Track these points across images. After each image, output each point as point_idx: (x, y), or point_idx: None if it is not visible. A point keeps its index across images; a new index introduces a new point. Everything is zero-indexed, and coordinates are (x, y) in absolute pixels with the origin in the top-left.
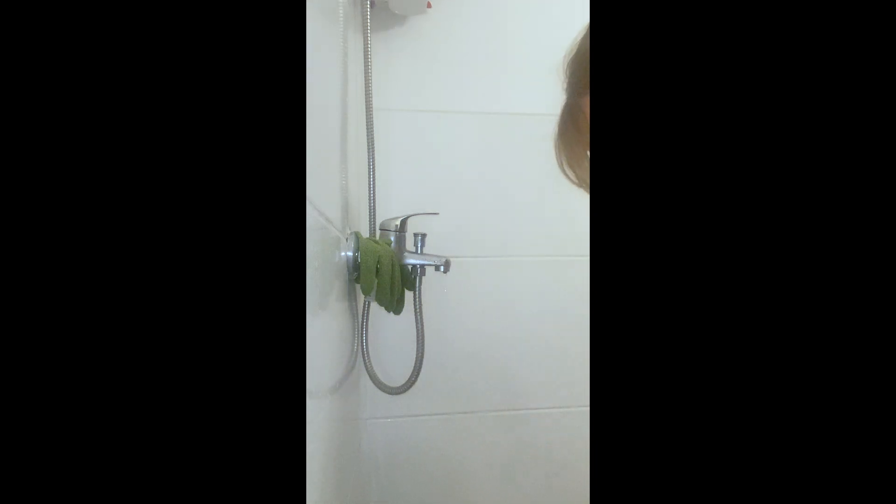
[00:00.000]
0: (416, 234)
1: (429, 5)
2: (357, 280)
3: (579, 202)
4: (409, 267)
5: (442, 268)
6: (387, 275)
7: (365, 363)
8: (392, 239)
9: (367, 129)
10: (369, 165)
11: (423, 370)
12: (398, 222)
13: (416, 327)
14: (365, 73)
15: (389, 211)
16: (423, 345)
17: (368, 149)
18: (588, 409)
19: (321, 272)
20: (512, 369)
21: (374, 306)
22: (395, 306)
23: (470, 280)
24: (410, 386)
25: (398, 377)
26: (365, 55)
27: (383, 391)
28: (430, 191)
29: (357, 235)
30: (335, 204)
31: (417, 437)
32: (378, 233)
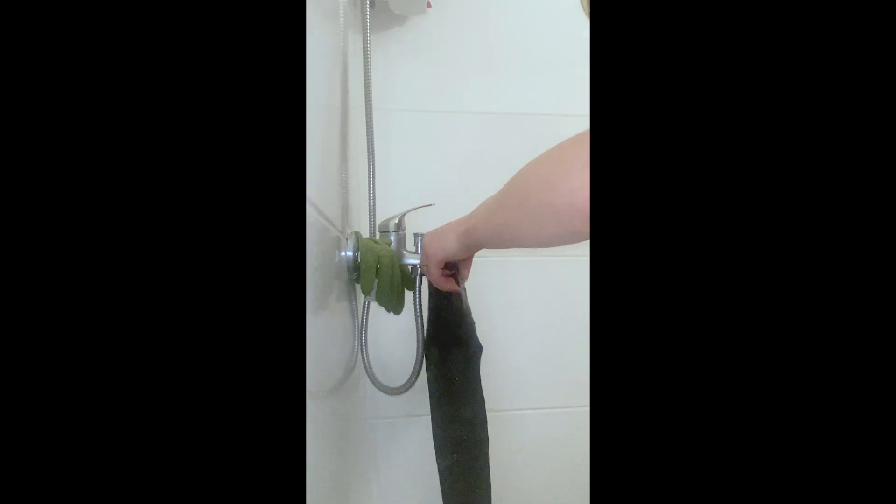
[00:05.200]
0: (416, 234)
1: (429, 5)
2: (357, 280)
3: None
4: (409, 267)
5: None
6: (387, 275)
7: (364, 363)
8: (392, 239)
9: (367, 129)
10: (369, 165)
11: (423, 370)
12: (396, 221)
13: (416, 327)
14: (365, 73)
15: (389, 211)
16: (426, 344)
17: (368, 149)
18: (588, 409)
19: (321, 272)
20: (512, 369)
21: (374, 306)
22: (395, 306)
23: (470, 280)
24: (410, 386)
25: (398, 377)
26: (365, 55)
27: (382, 391)
28: (430, 191)
29: (357, 235)
30: (335, 204)
31: (417, 437)
32: (378, 233)
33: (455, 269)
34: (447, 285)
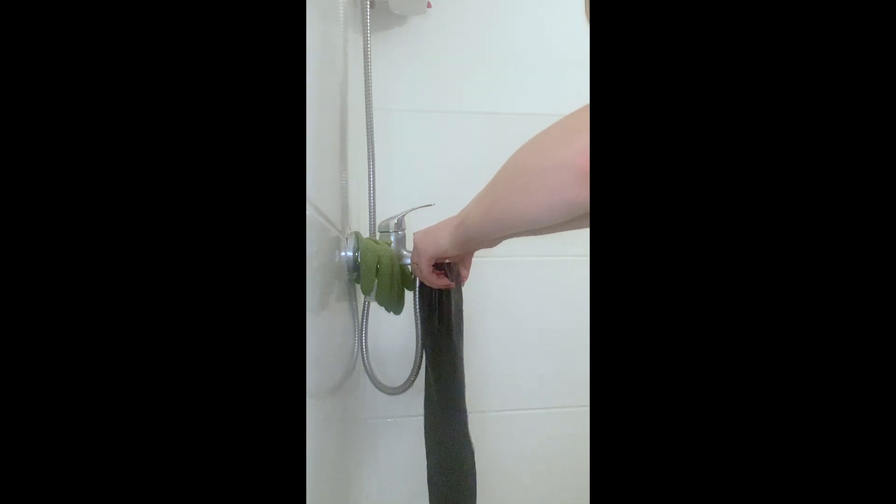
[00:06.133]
0: (415, 234)
1: (429, 5)
2: (357, 280)
3: None
4: (409, 267)
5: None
6: (387, 275)
7: (364, 363)
8: (392, 239)
9: (367, 129)
10: (369, 165)
11: (422, 370)
12: (396, 221)
13: (416, 327)
14: (365, 73)
15: (389, 211)
16: (422, 345)
17: (368, 149)
18: (588, 409)
19: (321, 272)
20: (512, 369)
21: (374, 306)
22: (395, 306)
23: (470, 280)
24: (409, 386)
25: (398, 377)
26: (365, 55)
27: (382, 391)
28: (430, 191)
29: (357, 235)
30: (335, 204)
31: (417, 437)
32: (378, 233)
33: (447, 268)
34: (439, 282)
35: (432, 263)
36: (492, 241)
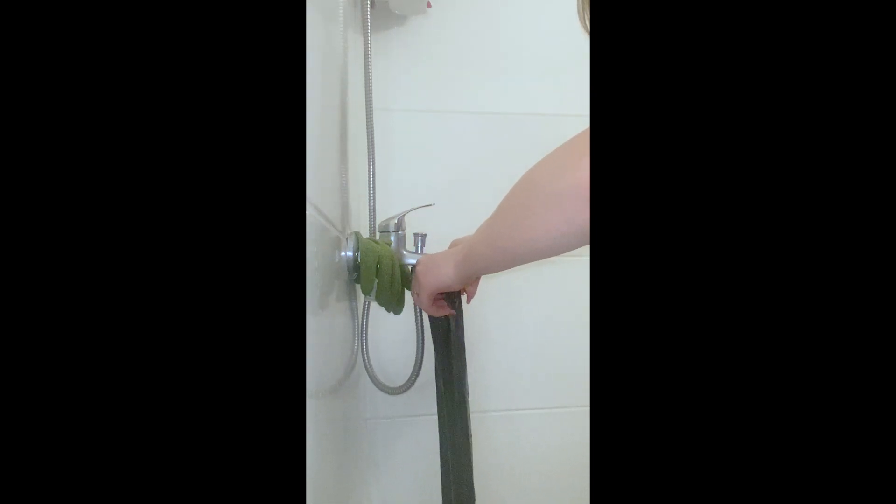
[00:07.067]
0: (416, 234)
1: (429, 5)
2: (357, 280)
3: None
4: (410, 267)
5: None
6: (387, 275)
7: (365, 363)
8: (392, 239)
9: (367, 129)
10: (369, 165)
11: (422, 370)
12: (396, 221)
13: (416, 327)
14: (365, 73)
15: (389, 211)
16: (423, 345)
17: (368, 149)
18: (587, 409)
19: (321, 272)
20: (512, 369)
21: (374, 306)
22: (395, 306)
23: None
24: (410, 386)
25: (398, 377)
26: (365, 55)
27: (383, 391)
28: (430, 191)
29: (357, 235)
30: (335, 204)
31: (417, 437)
32: (378, 233)
33: (447, 297)
34: (440, 312)
35: (434, 295)
36: (498, 270)
